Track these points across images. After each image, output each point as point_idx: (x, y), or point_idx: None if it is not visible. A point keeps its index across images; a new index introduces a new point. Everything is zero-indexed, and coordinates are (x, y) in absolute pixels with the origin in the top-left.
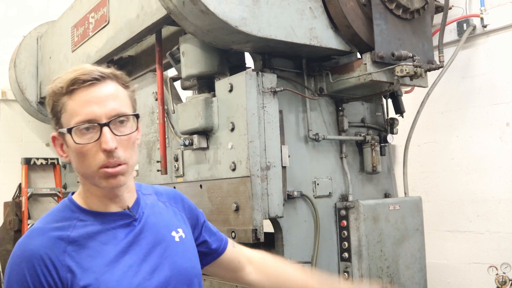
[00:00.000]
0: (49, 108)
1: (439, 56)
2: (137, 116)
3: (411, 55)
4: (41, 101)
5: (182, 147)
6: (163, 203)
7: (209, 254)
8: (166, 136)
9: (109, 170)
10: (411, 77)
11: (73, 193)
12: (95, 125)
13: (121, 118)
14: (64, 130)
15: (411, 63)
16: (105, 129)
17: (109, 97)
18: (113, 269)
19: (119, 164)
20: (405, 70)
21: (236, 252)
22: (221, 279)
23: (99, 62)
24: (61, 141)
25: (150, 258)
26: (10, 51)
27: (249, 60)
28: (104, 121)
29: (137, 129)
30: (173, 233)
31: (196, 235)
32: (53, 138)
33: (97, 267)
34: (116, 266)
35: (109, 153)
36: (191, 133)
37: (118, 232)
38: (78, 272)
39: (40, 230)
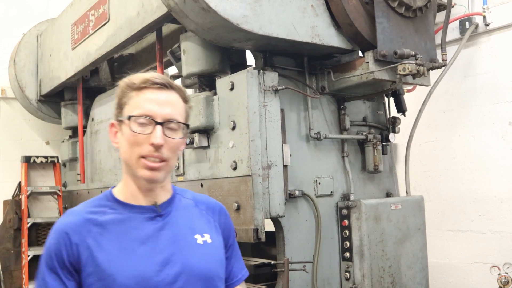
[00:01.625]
0: (117, 98)
1: (442, 55)
2: (187, 126)
3: (413, 53)
4: (41, 99)
5: None
6: (199, 210)
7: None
8: None
9: (150, 163)
10: (414, 76)
11: (114, 187)
12: (151, 120)
13: (173, 125)
14: (126, 117)
15: (413, 62)
16: (158, 127)
17: (170, 103)
18: (126, 255)
19: (161, 161)
20: (408, 68)
21: None
22: None
23: (99, 60)
24: (117, 129)
25: (164, 252)
26: (10, 51)
27: (250, 58)
28: (159, 120)
29: (183, 137)
30: (197, 236)
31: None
32: (111, 125)
33: (113, 250)
34: (130, 252)
35: (156, 147)
36: (192, 131)
37: (141, 224)
38: (95, 250)
39: (76, 211)
